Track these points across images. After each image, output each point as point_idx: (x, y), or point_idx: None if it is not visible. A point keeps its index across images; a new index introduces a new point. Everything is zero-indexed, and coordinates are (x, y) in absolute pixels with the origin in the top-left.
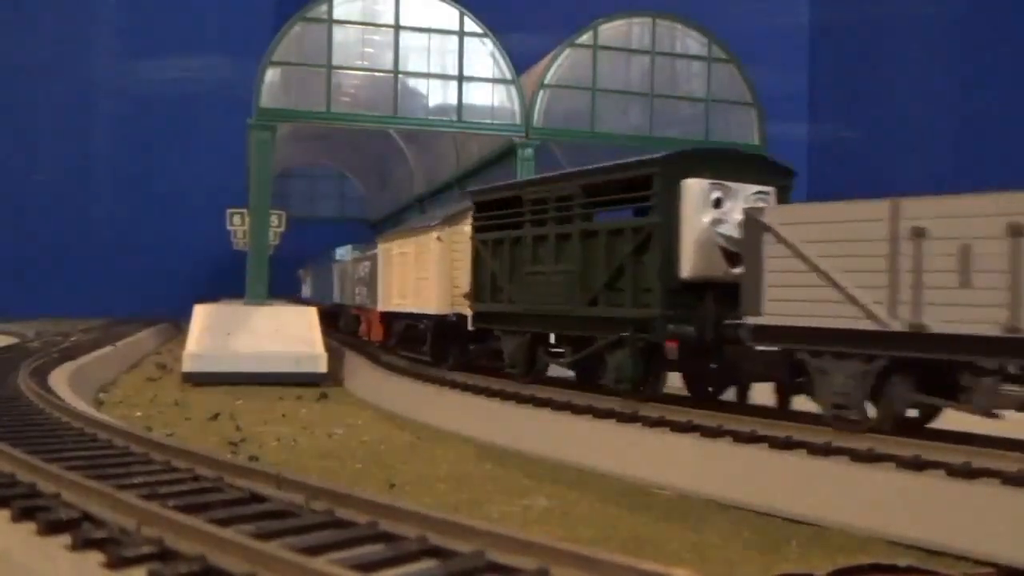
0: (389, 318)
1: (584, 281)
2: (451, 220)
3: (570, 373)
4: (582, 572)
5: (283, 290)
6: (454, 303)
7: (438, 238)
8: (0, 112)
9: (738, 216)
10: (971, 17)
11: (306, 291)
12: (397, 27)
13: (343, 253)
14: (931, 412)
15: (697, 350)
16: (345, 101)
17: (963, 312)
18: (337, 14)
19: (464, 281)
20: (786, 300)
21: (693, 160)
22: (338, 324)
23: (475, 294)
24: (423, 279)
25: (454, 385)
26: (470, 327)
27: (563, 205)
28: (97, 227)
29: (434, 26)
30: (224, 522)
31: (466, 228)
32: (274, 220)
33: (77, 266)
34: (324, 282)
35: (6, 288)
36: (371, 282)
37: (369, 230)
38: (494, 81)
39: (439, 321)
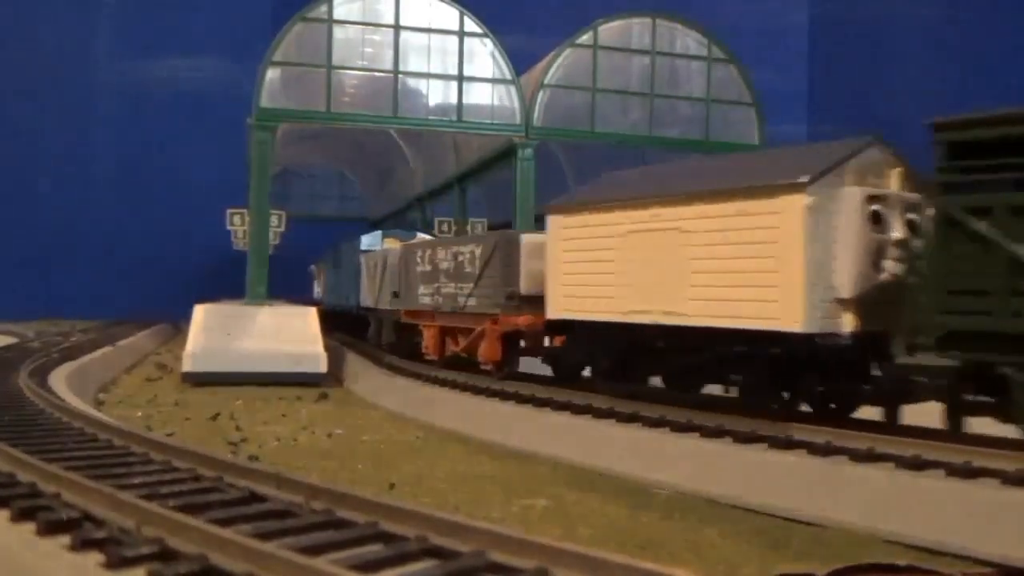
0: (569, 331)
1: None
2: (828, 176)
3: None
4: (582, 572)
5: (284, 291)
6: (830, 315)
7: (807, 206)
8: (1, 112)
9: None
10: (971, 16)
11: (318, 291)
12: (397, 27)
13: (371, 241)
14: None
15: None
16: (345, 101)
17: None
18: (337, 14)
19: (844, 279)
20: None
21: None
22: (366, 333)
23: (936, 301)
24: (751, 273)
25: (454, 385)
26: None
27: None
28: (97, 227)
29: (434, 26)
30: (224, 522)
31: (850, 189)
32: (274, 220)
33: (77, 266)
34: (345, 280)
35: (6, 288)
36: (501, 274)
37: (369, 229)
38: (494, 81)
39: (807, 344)
